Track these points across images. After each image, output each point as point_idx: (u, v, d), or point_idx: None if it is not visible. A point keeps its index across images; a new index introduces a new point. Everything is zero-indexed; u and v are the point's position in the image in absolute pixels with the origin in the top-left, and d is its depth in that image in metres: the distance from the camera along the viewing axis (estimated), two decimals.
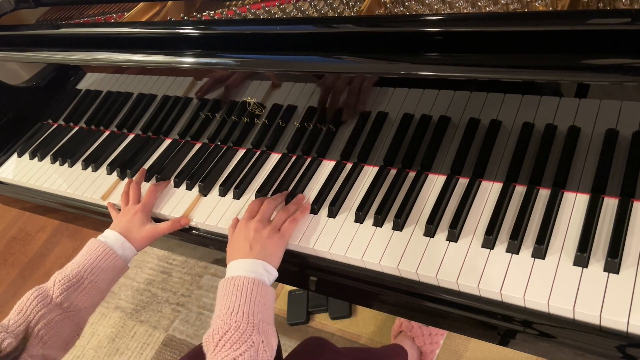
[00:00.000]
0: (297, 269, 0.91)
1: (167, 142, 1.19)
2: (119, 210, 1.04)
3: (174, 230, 1.00)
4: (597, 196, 0.77)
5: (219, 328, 0.72)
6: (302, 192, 0.97)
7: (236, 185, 1.02)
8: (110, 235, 0.94)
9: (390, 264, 0.81)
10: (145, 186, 1.09)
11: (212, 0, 1.08)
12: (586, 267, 0.71)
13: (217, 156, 1.10)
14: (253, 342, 0.70)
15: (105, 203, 1.10)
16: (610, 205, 0.77)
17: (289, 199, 0.96)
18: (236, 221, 0.93)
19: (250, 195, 1.01)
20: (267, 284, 0.80)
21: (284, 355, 1.13)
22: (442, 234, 0.82)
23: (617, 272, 0.69)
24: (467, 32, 0.75)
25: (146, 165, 1.15)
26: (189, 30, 0.97)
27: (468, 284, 0.75)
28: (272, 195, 0.98)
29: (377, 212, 0.87)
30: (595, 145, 0.75)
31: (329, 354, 1.08)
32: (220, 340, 0.71)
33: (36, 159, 1.31)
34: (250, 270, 0.80)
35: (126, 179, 1.14)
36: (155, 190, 1.04)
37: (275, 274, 0.83)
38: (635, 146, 0.73)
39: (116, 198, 1.10)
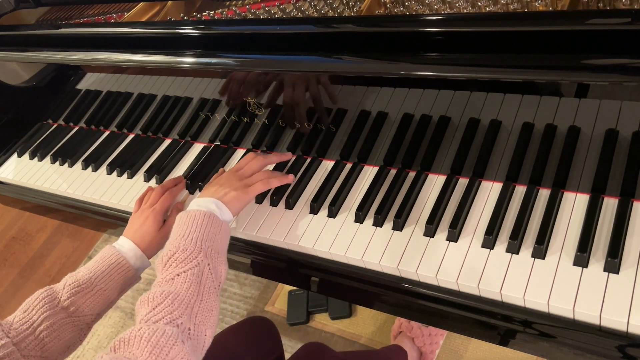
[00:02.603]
0: (296, 268, 0.91)
1: (167, 142, 1.19)
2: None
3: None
4: (597, 196, 0.77)
5: (168, 250, 0.77)
6: (302, 192, 0.97)
7: None
8: (125, 244, 0.93)
9: (390, 264, 0.81)
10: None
11: (212, 0, 1.08)
12: (586, 267, 0.71)
13: (217, 156, 1.10)
14: (198, 263, 0.74)
15: None
16: (610, 205, 0.77)
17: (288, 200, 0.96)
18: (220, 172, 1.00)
19: None
20: (220, 219, 0.84)
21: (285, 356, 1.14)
22: (442, 234, 0.82)
23: (617, 272, 0.69)
24: (467, 32, 0.75)
25: (146, 166, 1.15)
26: (189, 30, 0.97)
27: (468, 284, 0.75)
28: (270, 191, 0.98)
29: (377, 212, 0.87)
30: (595, 145, 0.75)
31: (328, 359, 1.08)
32: (168, 260, 0.75)
33: (36, 159, 1.31)
34: (203, 205, 0.85)
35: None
36: (170, 196, 1.01)
37: (229, 215, 0.87)
38: (635, 146, 0.73)
39: None
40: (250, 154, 0.99)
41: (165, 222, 0.98)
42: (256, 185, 0.92)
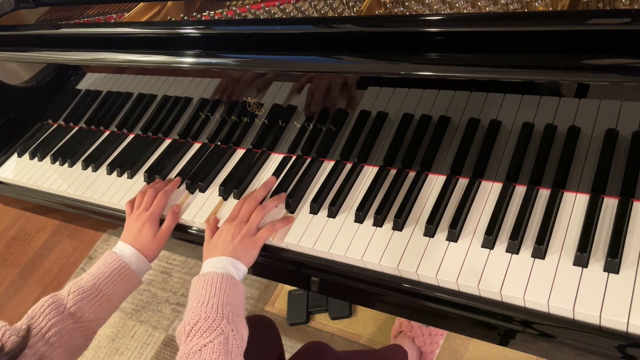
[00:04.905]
0: (296, 269, 0.91)
1: (167, 142, 1.19)
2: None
3: (175, 222, 1.00)
4: (597, 196, 0.77)
5: (189, 319, 0.75)
6: (302, 192, 0.97)
7: (236, 186, 1.02)
8: (126, 250, 0.94)
9: (390, 264, 0.81)
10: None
11: (212, 0, 1.08)
12: (586, 267, 0.71)
13: (217, 156, 1.10)
14: (222, 330, 0.73)
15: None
16: (610, 205, 0.77)
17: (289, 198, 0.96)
18: (212, 222, 0.96)
19: None
20: (237, 280, 0.82)
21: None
22: (442, 234, 0.82)
23: (617, 272, 0.69)
24: (467, 32, 0.75)
25: (146, 166, 1.15)
26: (189, 30, 0.97)
27: (468, 284, 0.75)
28: (272, 194, 0.98)
29: (377, 212, 0.87)
30: (595, 145, 0.75)
31: (329, 358, 1.08)
32: (191, 330, 0.74)
33: (36, 159, 1.31)
34: (219, 266, 0.83)
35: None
36: (165, 196, 1.02)
37: (245, 271, 0.86)
38: (635, 146, 0.73)
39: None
40: (239, 201, 0.96)
41: (161, 225, 0.98)
42: (262, 233, 0.90)
